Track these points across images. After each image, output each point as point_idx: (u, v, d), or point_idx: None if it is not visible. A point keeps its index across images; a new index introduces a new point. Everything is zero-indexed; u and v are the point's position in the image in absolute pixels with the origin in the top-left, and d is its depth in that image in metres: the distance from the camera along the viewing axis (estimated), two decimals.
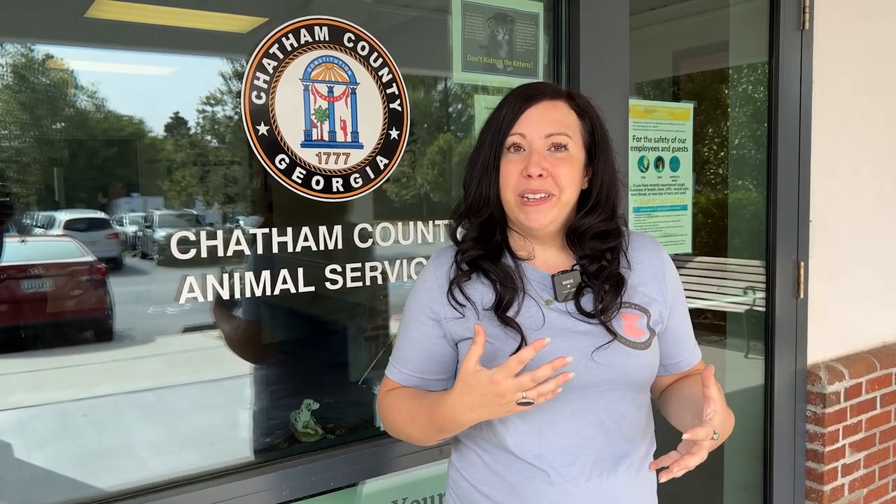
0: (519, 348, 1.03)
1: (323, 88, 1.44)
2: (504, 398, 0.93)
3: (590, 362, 1.04)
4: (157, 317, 1.43)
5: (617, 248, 1.13)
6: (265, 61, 1.39)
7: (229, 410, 1.64)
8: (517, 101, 1.08)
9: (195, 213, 1.49)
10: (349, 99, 1.47)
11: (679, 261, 2.20)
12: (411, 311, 1.13)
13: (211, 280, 1.36)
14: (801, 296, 2.33)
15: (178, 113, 1.42)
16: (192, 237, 1.36)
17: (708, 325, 2.64)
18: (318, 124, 1.44)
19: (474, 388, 0.95)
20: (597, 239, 1.12)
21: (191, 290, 1.34)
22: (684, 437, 0.94)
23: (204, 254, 1.36)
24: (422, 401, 1.08)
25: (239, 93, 1.37)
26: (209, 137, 1.49)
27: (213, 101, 1.43)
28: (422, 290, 1.12)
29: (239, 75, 1.38)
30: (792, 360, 2.33)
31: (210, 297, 1.36)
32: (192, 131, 1.45)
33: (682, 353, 1.19)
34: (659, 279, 1.15)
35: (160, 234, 1.40)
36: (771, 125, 2.24)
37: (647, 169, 2.07)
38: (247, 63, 1.37)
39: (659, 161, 2.10)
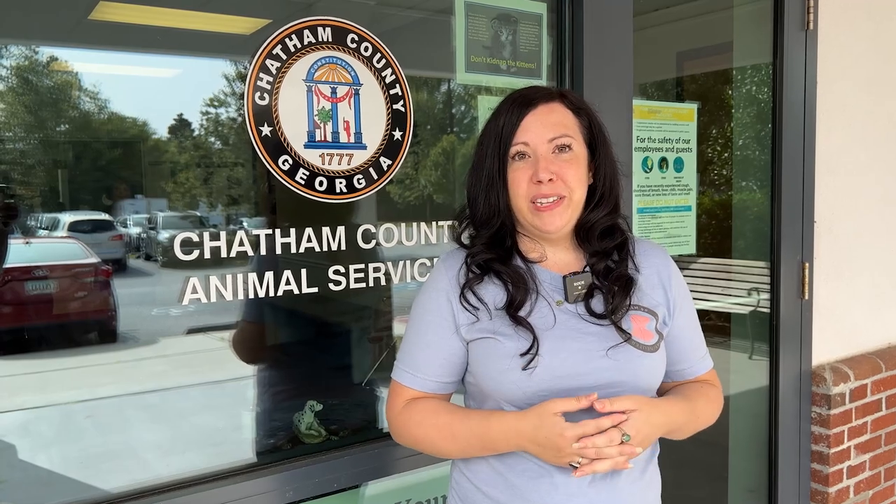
0: (531, 349, 1.03)
1: (326, 89, 1.43)
2: (562, 452, 0.97)
3: (600, 363, 1.05)
4: (160, 318, 1.43)
5: (624, 246, 1.14)
6: (268, 62, 1.39)
7: (233, 412, 1.64)
8: (514, 110, 1.08)
9: (199, 214, 1.48)
10: (352, 100, 1.47)
11: (683, 262, 2.19)
12: (425, 314, 1.12)
13: (214, 281, 1.36)
14: (806, 297, 2.32)
15: (181, 115, 1.42)
16: (196, 238, 1.36)
17: (712, 326, 2.63)
18: (322, 125, 1.43)
19: (542, 428, 0.98)
20: (604, 235, 1.13)
21: (194, 291, 1.33)
22: (574, 446, 0.96)
23: (207, 255, 1.35)
24: (464, 416, 1.08)
25: (242, 94, 1.37)
26: (213, 139, 1.48)
27: (216, 103, 1.42)
28: (435, 291, 1.12)
29: (242, 77, 1.38)
30: (796, 361, 2.32)
31: (213, 299, 1.36)
32: (196, 133, 1.45)
33: (687, 362, 1.19)
34: (665, 285, 1.15)
35: (164, 235, 1.40)
36: (775, 126, 2.24)
37: (651, 170, 2.06)
38: (250, 64, 1.37)
39: (663, 162, 2.09)
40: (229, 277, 1.36)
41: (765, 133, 2.32)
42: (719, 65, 2.55)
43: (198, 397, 1.57)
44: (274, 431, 1.58)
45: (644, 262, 1.15)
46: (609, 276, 1.10)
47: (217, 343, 1.47)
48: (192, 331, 1.45)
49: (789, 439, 2.32)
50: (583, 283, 1.10)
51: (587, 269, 1.12)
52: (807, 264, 2.31)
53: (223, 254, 1.37)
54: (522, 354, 1.03)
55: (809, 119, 2.27)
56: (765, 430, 2.35)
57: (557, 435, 0.95)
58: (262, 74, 1.38)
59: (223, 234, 1.37)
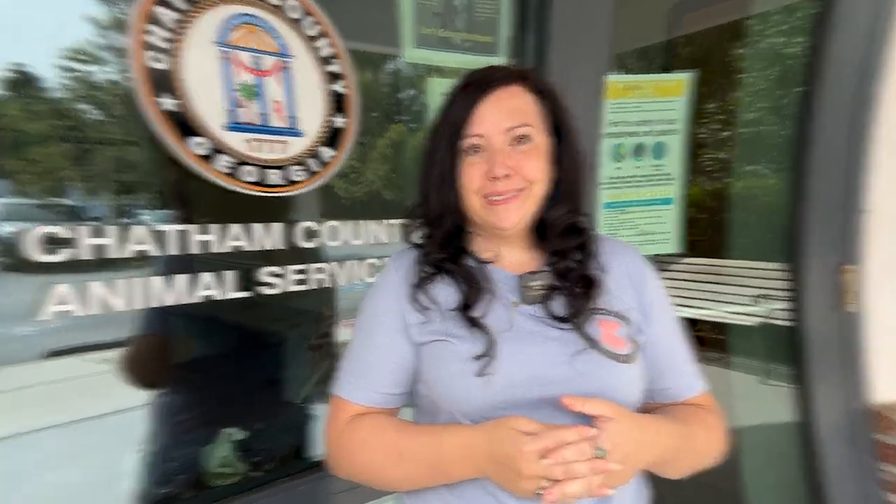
0: (486, 352, 0.97)
1: (246, 58, 1.23)
2: (522, 474, 0.88)
3: (564, 371, 0.97)
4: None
5: (586, 245, 1.08)
6: (159, 10, 1.12)
7: (108, 458, 1.32)
8: (467, 95, 1.02)
9: (71, 203, 1.20)
10: (282, 74, 1.28)
11: (662, 263, 1.98)
12: (373, 317, 1.06)
13: (95, 289, 1.08)
14: (851, 308, 1.89)
15: (24, 66, 1.11)
16: (65, 234, 1.08)
17: (703, 338, 2.37)
18: (246, 104, 1.24)
19: (498, 441, 0.90)
20: (565, 234, 1.08)
21: (62, 301, 1.06)
22: (542, 463, 0.87)
23: (88, 255, 1.09)
24: (414, 432, 1.00)
25: (124, 51, 1.09)
26: (84, 106, 1.19)
27: (83, 56, 1.13)
28: (384, 292, 1.07)
29: (120, 25, 1.10)
30: (842, 394, 1.86)
31: (88, 311, 1.07)
32: (56, 95, 1.14)
33: (671, 380, 1.09)
34: (638, 288, 1.09)
35: (6, 228, 1.10)
36: (811, 87, 1.78)
37: (623, 158, 1.85)
38: (130, 9, 1.09)
39: (639, 148, 1.88)
40: (122, 283, 1.11)
41: (788, 100, 1.91)
42: (729, 15, 2.09)
43: (55, 444, 1.22)
44: (169, 476, 1.30)
45: (612, 261, 1.09)
46: (570, 277, 1.05)
47: (91, 367, 1.17)
48: (54, 353, 1.15)
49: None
50: (540, 283, 1.04)
51: (546, 268, 1.07)
52: (850, 267, 1.89)
53: (110, 254, 1.12)
54: (477, 358, 0.97)
55: (868, 75, 1.74)
56: (798, 483, 1.86)
57: (516, 450, 0.88)
58: (151, 27, 1.11)
59: (113, 230, 1.13)
